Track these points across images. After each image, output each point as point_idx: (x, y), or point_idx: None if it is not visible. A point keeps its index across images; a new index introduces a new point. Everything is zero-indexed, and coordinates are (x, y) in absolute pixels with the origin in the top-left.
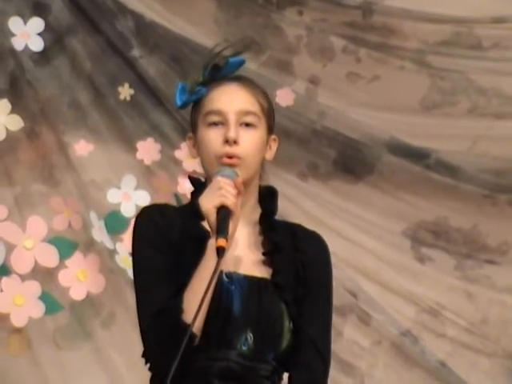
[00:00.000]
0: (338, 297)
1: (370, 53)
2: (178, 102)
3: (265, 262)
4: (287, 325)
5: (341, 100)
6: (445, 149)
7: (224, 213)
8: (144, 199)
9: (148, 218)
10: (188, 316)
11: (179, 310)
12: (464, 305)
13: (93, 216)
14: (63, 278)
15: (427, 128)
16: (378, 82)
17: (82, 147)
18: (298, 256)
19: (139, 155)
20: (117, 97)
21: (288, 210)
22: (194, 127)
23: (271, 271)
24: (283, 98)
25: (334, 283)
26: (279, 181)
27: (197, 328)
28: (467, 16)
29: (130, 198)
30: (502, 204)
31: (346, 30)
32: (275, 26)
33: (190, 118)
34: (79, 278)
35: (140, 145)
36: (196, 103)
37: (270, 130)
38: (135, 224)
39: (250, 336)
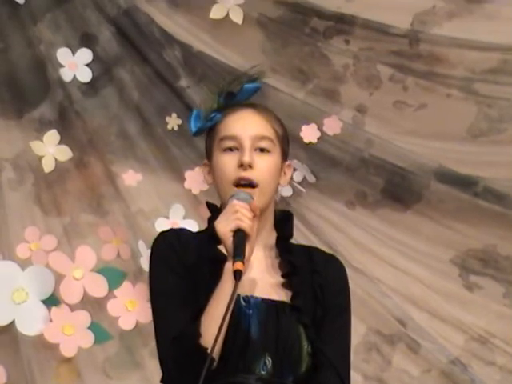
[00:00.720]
0: (387, 325)
1: (417, 81)
2: (193, 129)
3: (282, 285)
4: (306, 347)
5: (388, 128)
6: (493, 176)
7: (240, 236)
8: (192, 228)
9: (165, 242)
10: (206, 340)
11: (197, 334)
12: None
13: (141, 245)
14: (112, 307)
15: (475, 156)
16: (425, 110)
17: (130, 177)
18: (315, 278)
19: (187, 185)
20: (164, 127)
21: (335, 239)
22: (208, 153)
23: (289, 294)
24: (330, 126)
25: (384, 312)
26: (327, 209)
27: (215, 352)
28: None
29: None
30: None
31: (393, 58)
32: (322, 54)
33: (205, 144)
34: (128, 308)
35: (188, 174)
36: (211, 129)
37: (285, 155)
38: (152, 248)
39: (268, 360)
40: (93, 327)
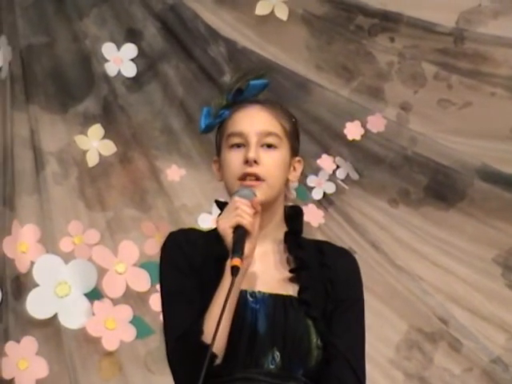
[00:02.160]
0: (429, 323)
1: (462, 79)
2: (202, 126)
3: (291, 280)
4: (315, 341)
5: (432, 126)
6: None
7: (240, 232)
8: None
9: (173, 243)
10: (208, 337)
11: (200, 331)
12: None
13: None
14: (154, 302)
15: None
16: (469, 108)
17: (173, 172)
18: (325, 273)
19: None
20: None
21: (378, 236)
22: (218, 150)
23: (297, 288)
24: (374, 124)
25: (425, 310)
26: (370, 207)
27: (219, 348)
28: None
29: None
30: None
31: (438, 56)
32: (367, 52)
33: (215, 141)
34: None
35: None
36: (220, 126)
37: (294, 151)
38: (162, 249)
39: (276, 354)
40: (135, 321)
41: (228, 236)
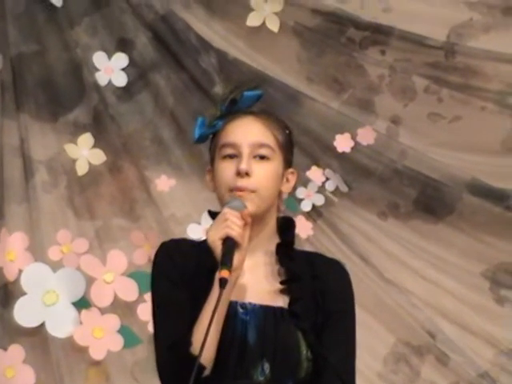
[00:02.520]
0: (416, 337)
1: (452, 93)
2: (196, 136)
3: (282, 292)
4: (304, 353)
5: (422, 140)
6: None
7: (229, 244)
8: None
9: (165, 253)
10: (197, 349)
11: (188, 343)
12: None
13: None
14: (142, 312)
15: (508, 169)
16: (459, 122)
17: (163, 182)
18: (316, 285)
19: None
20: None
21: (367, 249)
22: (211, 160)
23: (288, 300)
24: (364, 136)
25: (413, 323)
26: (359, 219)
27: (207, 359)
28: None
29: None
30: None
31: (429, 70)
32: (358, 65)
33: (209, 151)
34: None
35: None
36: (213, 137)
37: (287, 162)
38: (153, 259)
39: (266, 366)
40: (122, 331)
41: (217, 248)
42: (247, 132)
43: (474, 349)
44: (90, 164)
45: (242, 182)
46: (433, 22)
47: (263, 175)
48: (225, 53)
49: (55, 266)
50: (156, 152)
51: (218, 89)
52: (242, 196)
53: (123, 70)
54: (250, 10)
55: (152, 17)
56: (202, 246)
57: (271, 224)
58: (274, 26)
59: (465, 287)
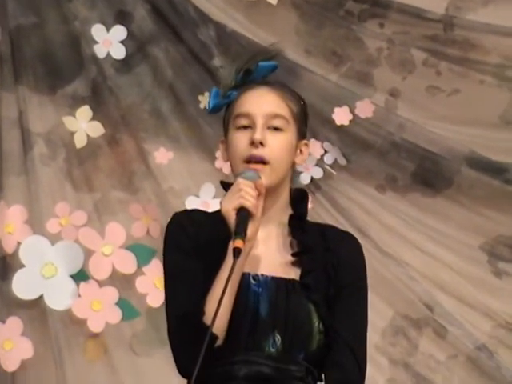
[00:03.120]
0: (414, 309)
1: (451, 66)
2: (210, 106)
3: (293, 264)
4: (316, 325)
5: (420, 113)
6: None
7: (243, 214)
8: None
9: (177, 223)
10: (209, 318)
11: (201, 312)
12: None
13: None
14: (140, 284)
15: (506, 142)
16: (457, 95)
17: (161, 155)
18: (328, 257)
19: (218, 164)
20: (197, 105)
21: (365, 222)
22: (225, 131)
23: (300, 272)
24: (363, 109)
25: (411, 296)
26: (357, 192)
27: (219, 330)
28: None
29: (209, 207)
30: None
31: (427, 43)
32: (356, 37)
33: (223, 121)
34: (156, 285)
35: (219, 154)
36: (228, 107)
37: (301, 134)
38: (166, 230)
39: (277, 337)
40: (121, 303)
41: (231, 218)
42: (262, 102)
43: (471, 321)
44: (88, 136)
45: (257, 152)
46: None
47: (277, 146)
48: (223, 25)
49: (54, 239)
50: (154, 124)
51: (217, 61)
52: (256, 169)
53: (122, 42)
54: None
55: None
56: (215, 217)
57: (284, 195)
58: None
59: (463, 260)
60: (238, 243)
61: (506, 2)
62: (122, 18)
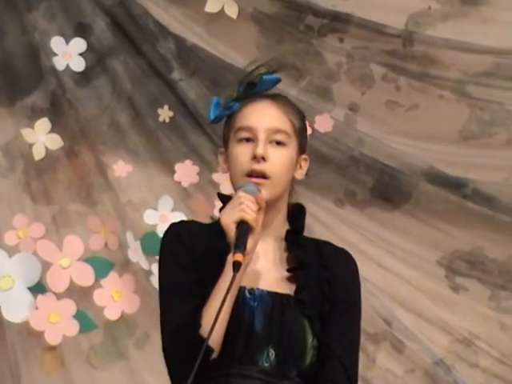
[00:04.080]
0: (373, 324)
1: (410, 81)
2: (211, 116)
3: (289, 279)
4: (310, 341)
5: (379, 128)
6: (482, 179)
7: (243, 228)
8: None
9: (174, 234)
10: (206, 331)
11: (197, 325)
12: (498, 336)
13: (129, 236)
14: (98, 297)
15: (465, 158)
16: (416, 110)
17: (120, 168)
18: (323, 273)
19: (177, 177)
20: (156, 118)
21: (324, 236)
22: (225, 142)
23: (295, 288)
24: (322, 124)
25: (369, 311)
26: (316, 207)
27: (215, 343)
28: (508, 47)
29: (167, 220)
30: None
31: (387, 58)
32: (316, 52)
33: (223, 132)
34: (114, 298)
35: (178, 167)
36: (229, 118)
37: (302, 149)
38: (162, 240)
39: (271, 352)
40: (78, 316)
41: (231, 231)
42: (264, 116)
43: (429, 336)
44: (46, 149)
45: (258, 166)
46: (391, 10)
47: (279, 161)
48: (183, 39)
49: (11, 251)
50: (113, 137)
51: (176, 74)
52: (257, 183)
53: (81, 54)
54: None
55: (110, 2)
56: (212, 229)
57: (283, 210)
58: (232, 12)
59: (421, 275)
60: (238, 257)
61: (465, 18)
62: (82, 30)
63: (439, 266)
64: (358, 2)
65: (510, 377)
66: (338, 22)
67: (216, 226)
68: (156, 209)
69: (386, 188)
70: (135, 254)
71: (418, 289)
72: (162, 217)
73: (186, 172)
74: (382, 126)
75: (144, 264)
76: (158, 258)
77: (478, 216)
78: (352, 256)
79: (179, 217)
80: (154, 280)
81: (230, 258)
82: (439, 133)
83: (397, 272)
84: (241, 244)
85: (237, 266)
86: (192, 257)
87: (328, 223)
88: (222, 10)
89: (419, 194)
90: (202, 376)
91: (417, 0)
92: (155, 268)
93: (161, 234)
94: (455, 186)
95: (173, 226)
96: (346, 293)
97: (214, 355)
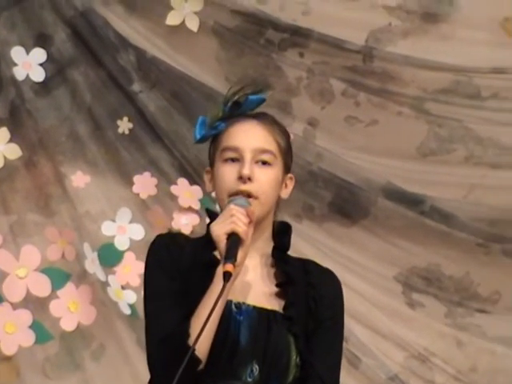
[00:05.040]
0: None
1: (369, 97)
2: (197, 136)
3: (276, 295)
4: (294, 358)
5: (338, 143)
6: (440, 196)
7: (234, 239)
8: (138, 233)
9: (162, 245)
10: (194, 340)
11: (186, 334)
12: (453, 352)
13: (86, 248)
14: (54, 308)
15: (423, 174)
16: (375, 126)
17: (78, 179)
18: (309, 291)
19: (135, 189)
20: (115, 130)
21: None
22: (211, 161)
23: (282, 304)
24: None
25: None
26: None
27: (202, 353)
28: (467, 65)
29: (125, 232)
30: (495, 253)
31: (346, 73)
32: (276, 66)
33: (209, 152)
34: (70, 309)
35: (136, 178)
36: (215, 138)
37: (287, 168)
38: (149, 250)
39: (255, 368)
40: (34, 327)
41: (222, 242)
42: (250, 137)
43: (385, 352)
44: (5, 159)
45: (244, 187)
46: (352, 26)
47: (265, 181)
48: (143, 51)
49: None
50: (72, 148)
51: (136, 86)
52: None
53: (41, 65)
54: (170, 8)
55: (71, 13)
56: (198, 242)
57: (268, 228)
58: (193, 25)
59: (377, 291)
60: (229, 267)
61: (425, 35)
62: (43, 40)
63: (396, 282)
64: (319, 18)
65: None
66: (299, 36)
67: (203, 240)
68: (114, 220)
69: (344, 203)
70: (92, 265)
71: (375, 305)
72: (119, 228)
73: (145, 184)
74: (341, 142)
75: (101, 275)
76: (115, 269)
77: (435, 233)
78: (336, 276)
79: (137, 229)
80: (111, 292)
81: (220, 269)
82: (398, 149)
83: (354, 287)
84: (231, 255)
85: (227, 276)
86: (178, 268)
87: None
88: (183, 22)
89: (377, 209)
90: None
91: (377, 16)
92: (112, 280)
93: (118, 246)
94: (413, 202)
95: (160, 236)
96: (331, 311)
97: (201, 366)
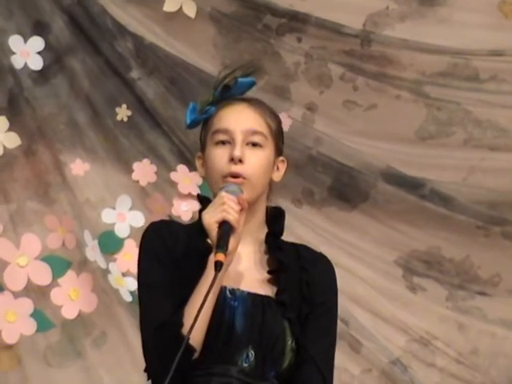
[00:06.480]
0: None
1: (368, 81)
2: (188, 121)
3: (269, 281)
4: (289, 343)
5: (337, 127)
6: (439, 179)
7: (225, 228)
8: (138, 220)
9: (154, 232)
10: (187, 330)
11: (179, 323)
12: (454, 335)
13: (87, 235)
14: (55, 296)
15: (422, 158)
16: (374, 110)
17: (77, 166)
18: (303, 276)
19: (135, 176)
20: (114, 117)
21: (282, 236)
22: (202, 146)
23: (275, 289)
24: None
25: None
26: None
27: (197, 342)
28: (465, 48)
29: (125, 219)
30: (495, 236)
31: (345, 58)
32: (274, 51)
33: (200, 137)
34: (71, 297)
35: (136, 166)
36: (205, 122)
37: (278, 151)
38: (142, 238)
39: (251, 353)
40: (35, 315)
41: (213, 231)
42: (240, 118)
43: (386, 336)
44: (4, 147)
45: (236, 169)
46: (349, 10)
47: (256, 162)
48: (141, 37)
49: None
50: (71, 136)
51: (134, 73)
52: (235, 182)
53: (39, 53)
54: None
55: (69, 1)
56: (192, 229)
57: (261, 213)
58: (190, 11)
59: (378, 274)
60: (220, 257)
61: (422, 18)
62: (40, 28)
63: (396, 266)
64: (316, 2)
65: (466, 376)
66: (296, 21)
67: (196, 227)
68: (114, 208)
69: (343, 187)
70: (93, 252)
71: (376, 288)
72: (119, 216)
73: (144, 171)
74: (340, 126)
75: (101, 263)
76: (115, 256)
77: (435, 216)
78: (330, 260)
79: (137, 216)
80: (112, 279)
81: (212, 258)
82: (397, 133)
83: (354, 271)
84: (223, 244)
85: (219, 265)
86: (172, 256)
87: (285, 223)
88: (180, 9)
89: (377, 193)
90: (182, 374)
91: (375, 0)
92: (113, 267)
93: (118, 233)
94: (413, 185)
95: (153, 224)
96: (324, 296)
97: (196, 355)
